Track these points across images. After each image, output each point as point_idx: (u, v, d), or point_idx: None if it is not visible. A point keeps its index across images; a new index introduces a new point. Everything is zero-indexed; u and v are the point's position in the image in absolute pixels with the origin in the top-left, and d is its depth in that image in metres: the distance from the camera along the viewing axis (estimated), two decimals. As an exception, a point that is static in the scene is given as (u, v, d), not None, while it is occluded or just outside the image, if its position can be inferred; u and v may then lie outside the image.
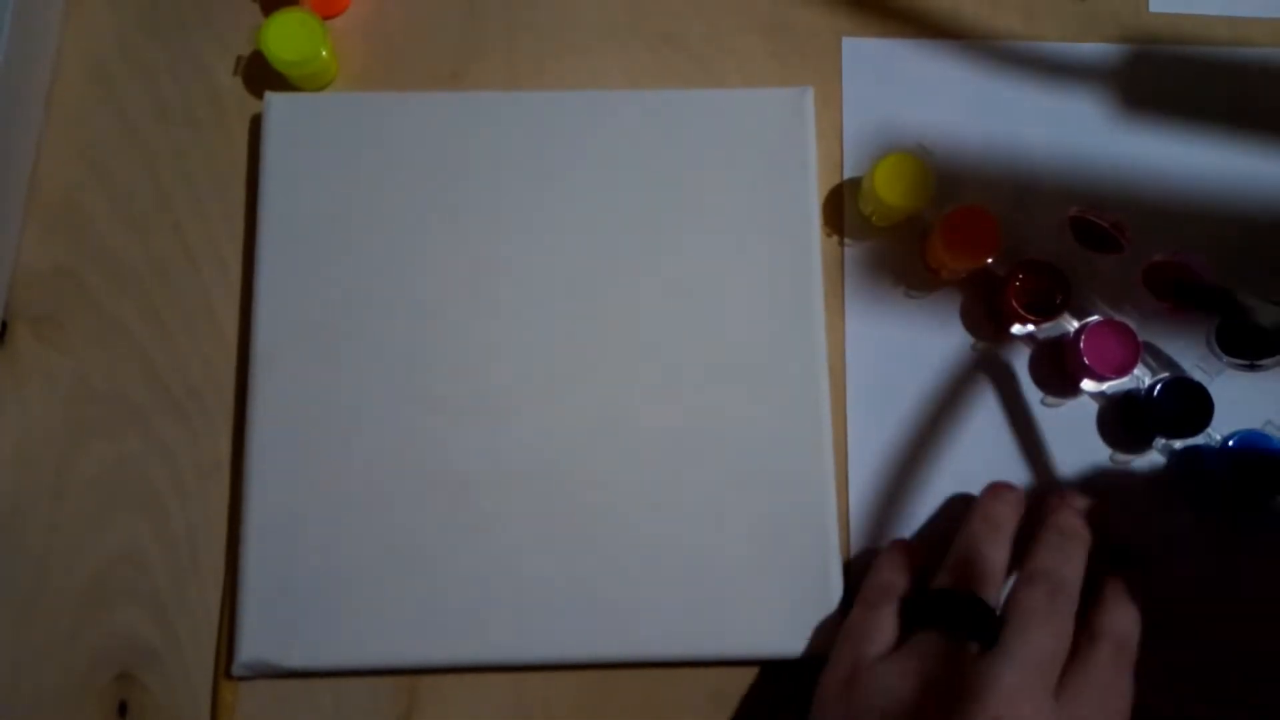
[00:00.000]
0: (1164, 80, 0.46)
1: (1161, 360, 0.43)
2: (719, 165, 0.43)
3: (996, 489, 0.40)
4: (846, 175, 0.45)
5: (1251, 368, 0.42)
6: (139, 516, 0.41)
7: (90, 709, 0.39)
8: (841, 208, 0.44)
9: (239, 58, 0.45)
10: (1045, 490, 0.41)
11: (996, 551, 0.37)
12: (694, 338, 0.42)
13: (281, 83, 0.44)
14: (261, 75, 0.44)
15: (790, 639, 0.39)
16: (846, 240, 0.44)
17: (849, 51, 0.46)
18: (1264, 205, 0.45)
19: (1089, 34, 0.47)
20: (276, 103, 0.43)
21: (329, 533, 0.40)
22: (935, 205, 0.42)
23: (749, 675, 0.41)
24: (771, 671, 0.40)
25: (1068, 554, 0.37)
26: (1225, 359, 0.42)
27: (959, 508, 0.41)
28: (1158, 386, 0.41)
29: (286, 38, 0.42)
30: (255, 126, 0.44)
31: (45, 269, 0.43)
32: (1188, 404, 0.41)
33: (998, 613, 0.35)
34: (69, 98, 0.45)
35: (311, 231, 0.42)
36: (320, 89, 0.45)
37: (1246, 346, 0.42)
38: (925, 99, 0.45)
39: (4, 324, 0.42)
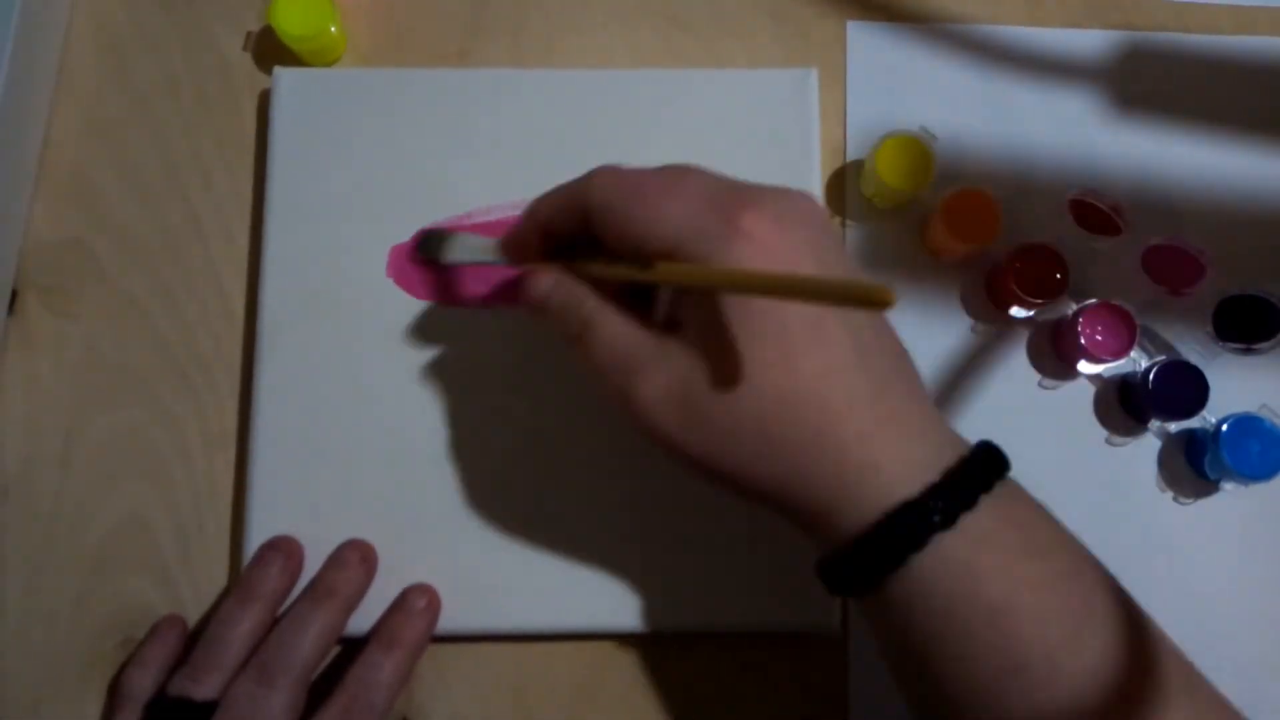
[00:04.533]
0: (1166, 67, 0.46)
1: (1158, 343, 0.43)
2: (723, 145, 0.43)
3: (264, 552, 0.39)
4: (849, 158, 0.45)
5: (1248, 351, 0.42)
6: (146, 485, 0.41)
7: (96, 674, 0.40)
8: (844, 190, 0.45)
9: (248, 33, 0.45)
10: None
11: (236, 630, 0.37)
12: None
13: (290, 58, 0.44)
14: (270, 50, 0.45)
15: (790, 612, 0.40)
16: (848, 222, 0.44)
17: (853, 35, 0.46)
18: (1263, 192, 0.45)
19: (1092, 20, 0.47)
20: (285, 78, 0.43)
21: (333, 503, 0.40)
22: (936, 188, 0.42)
23: (749, 648, 0.41)
24: (769, 644, 0.41)
25: (377, 663, 0.37)
26: (1222, 343, 0.42)
27: None
28: (1154, 370, 0.41)
29: (296, 13, 0.42)
30: (264, 101, 0.45)
31: (55, 240, 0.43)
32: (1184, 387, 0.41)
33: (218, 697, 0.36)
34: (79, 71, 0.45)
35: (319, 205, 0.42)
36: (328, 64, 0.45)
37: (1243, 330, 0.42)
38: (928, 83, 0.46)
39: (14, 293, 0.43)
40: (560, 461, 0.41)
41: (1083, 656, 0.28)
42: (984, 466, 0.30)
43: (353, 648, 0.39)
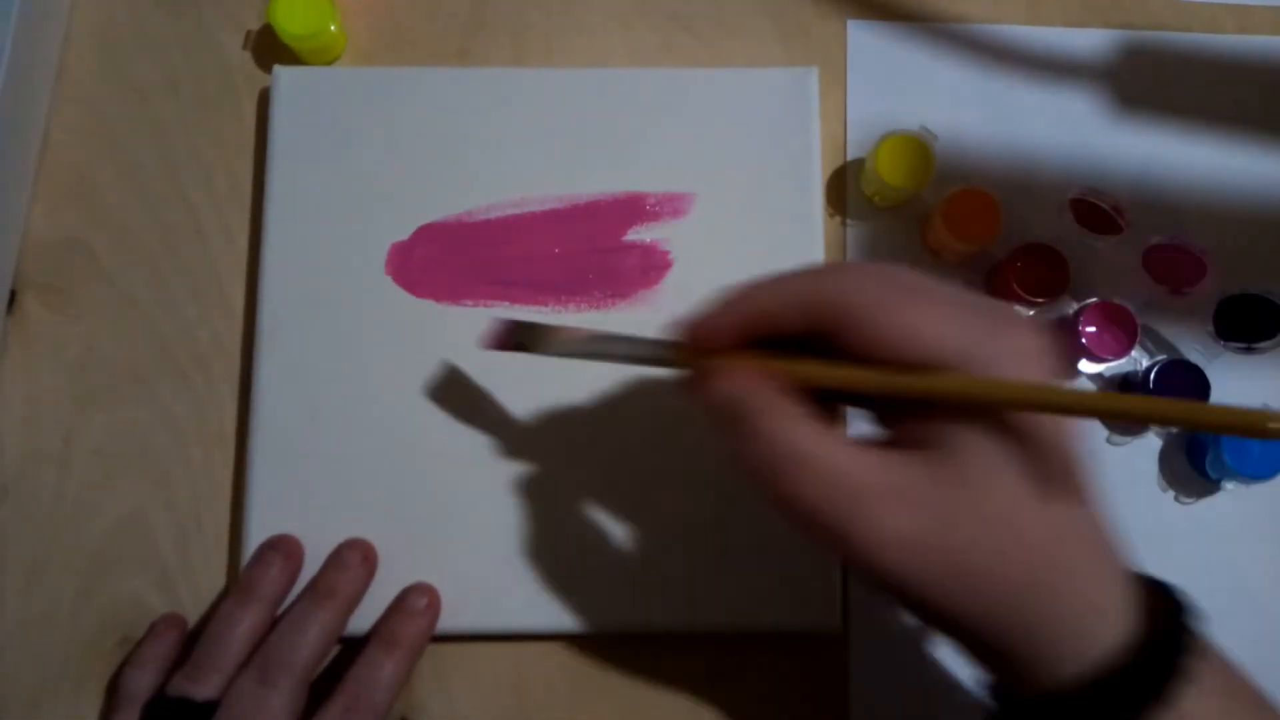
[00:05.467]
0: (1166, 67, 0.46)
1: (1159, 343, 0.43)
2: (723, 144, 0.43)
3: (264, 551, 0.39)
4: (850, 157, 0.45)
5: (1249, 351, 0.42)
6: (145, 484, 0.41)
7: (95, 674, 0.40)
8: (844, 189, 0.45)
9: (248, 31, 0.45)
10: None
11: (236, 630, 0.37)
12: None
13: (290, 57, 0.44)
14: (270, 49, 0.45)
15: (789, 612, 0.40)
16: (849, 221, 0.44)
17: (854, 34, 0.46)
18: (1264, 192, 0.45)
19: (1092, 20, 0.47)
20: (285, 76, 0.43)
21: (333, 502, 0.40)
22: (937, 187, 0.42)
23: (749, 648, 0.41)
24: (769, 644, 0.41)
25: (377, 663, 0.37)
26: (1222, 342, 0.42)
27: None
28: (1155, 369, 0.41)
29: (295, 11, 0.42)
30: (263, 100, 0.45)
31: (54, 239, 0.43)
32: (1185, 387, 0.41)
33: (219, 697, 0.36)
34: (79, 69, 0.45)
35: (318, 204, 0.42)
36: (328, 63, 0.45)
37: (1244, 330, 0.42)
38: (929, 82, 0.46)
39: (13, 293, 0.43)
40: (560, 461, 0.41)
41: None
42: (1186, 627, 0.28)
43: (353, 647, 0.39)
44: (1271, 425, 0.21)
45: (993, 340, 0.27)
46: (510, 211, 0.43)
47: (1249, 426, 0.23)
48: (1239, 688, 0.28)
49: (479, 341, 0.36)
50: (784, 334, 0.29)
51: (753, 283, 0.30)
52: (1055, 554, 0.27)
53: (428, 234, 0.42)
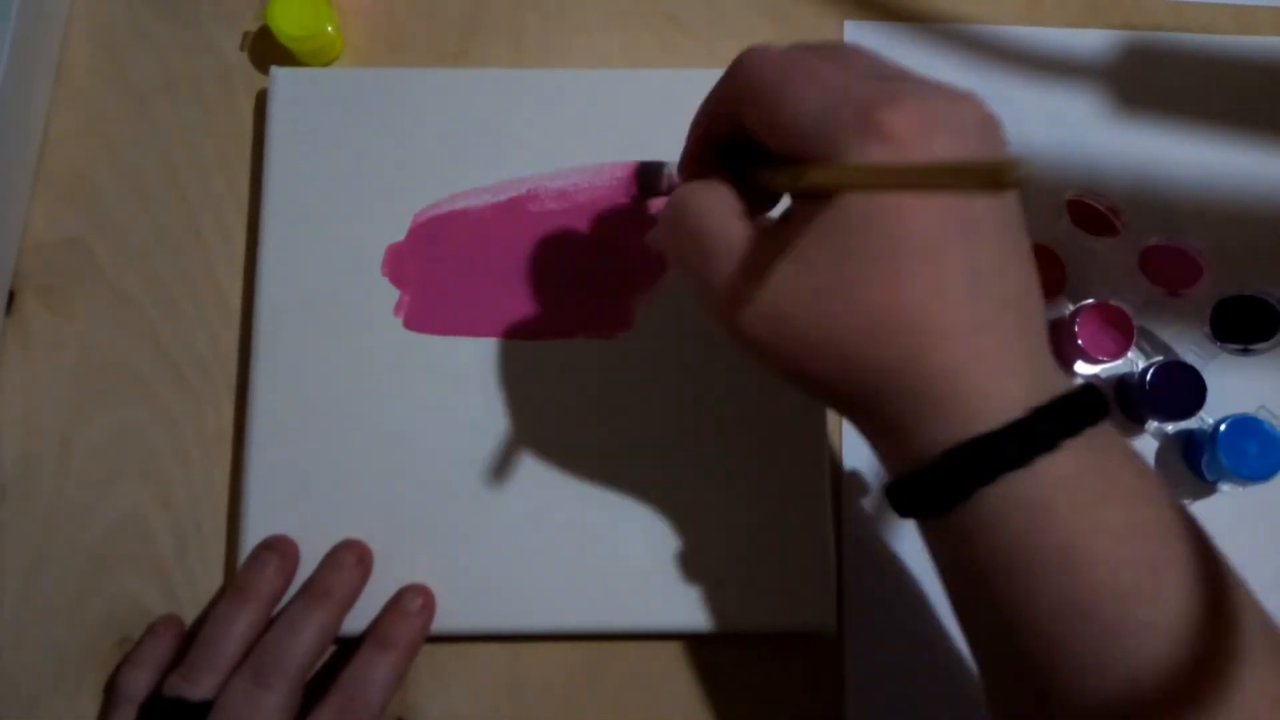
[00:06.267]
0: (1165, 67, 0.46)
1: (1156, 344, 0.43)
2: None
3: (260, 552, 0.39)
4: (847, 157, 0.45)
5: (1245, 352, 0.42)
6: (143, 484, 0.41)
7: (93, 674, 0.40)
8: (841, 189, 0.45)
9: (246, 32, 0.46)
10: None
11: (231, 630, 0.37)
12: (691, 315, 0.42)
13: (288, 58, 0.44)
14: (268, 50, 0.45)
15: (785, 614, 0.40)
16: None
17: (851, 35, 0.46)
18: (1262, 192, 0.45)
19: (1091, 20, 0.47)
20: (282, 77, 0.43)
21: (329, 503, 0.40)
22: (934, 188, 0.42)
23: (746, 648, 0.41)
24: (766, 645, 0.41)
25: (372, 663, 0.37)
26: (1219, 344, 0.42)
27: None
28: (1151, 370, 0.41)
29: (293, 13, 0.42)
30: (261, 101, 0.45)
31: (53, 239, 0.44)
32: (1181, 388, 0.41)
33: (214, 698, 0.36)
34: (78, 71, 0.45)
35: (316, 205, 0.42)
36: (326, 64, 0.45)
37: (1241, 331, 0.42)
38: (926, 82, 0.46)
39: (12, 293, 0.43)
40: (557, 461, 0.41)
41: (1156, 607, 0.27)
42: (1075, 410, 0.28)
43: (348, 647, 0.39)
44: (1003, 176, 0.20)
45: (855, 120, 0.26)
46: (508, 211, 0.43)
47: (982, 176, 0.21)
48: (1115, 456, 0.29)
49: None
50: (736, 139, 0.31)
51: (701, 104, 0.32)
52: (889, 337, 0.27)
53: (424, 229, 0.42)
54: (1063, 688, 0.28)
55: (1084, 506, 0.27)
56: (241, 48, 0.45)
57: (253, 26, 0.45)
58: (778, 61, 0.29)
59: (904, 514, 0.30)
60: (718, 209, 0.30)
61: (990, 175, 0.20)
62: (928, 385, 0.27)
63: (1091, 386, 0.29)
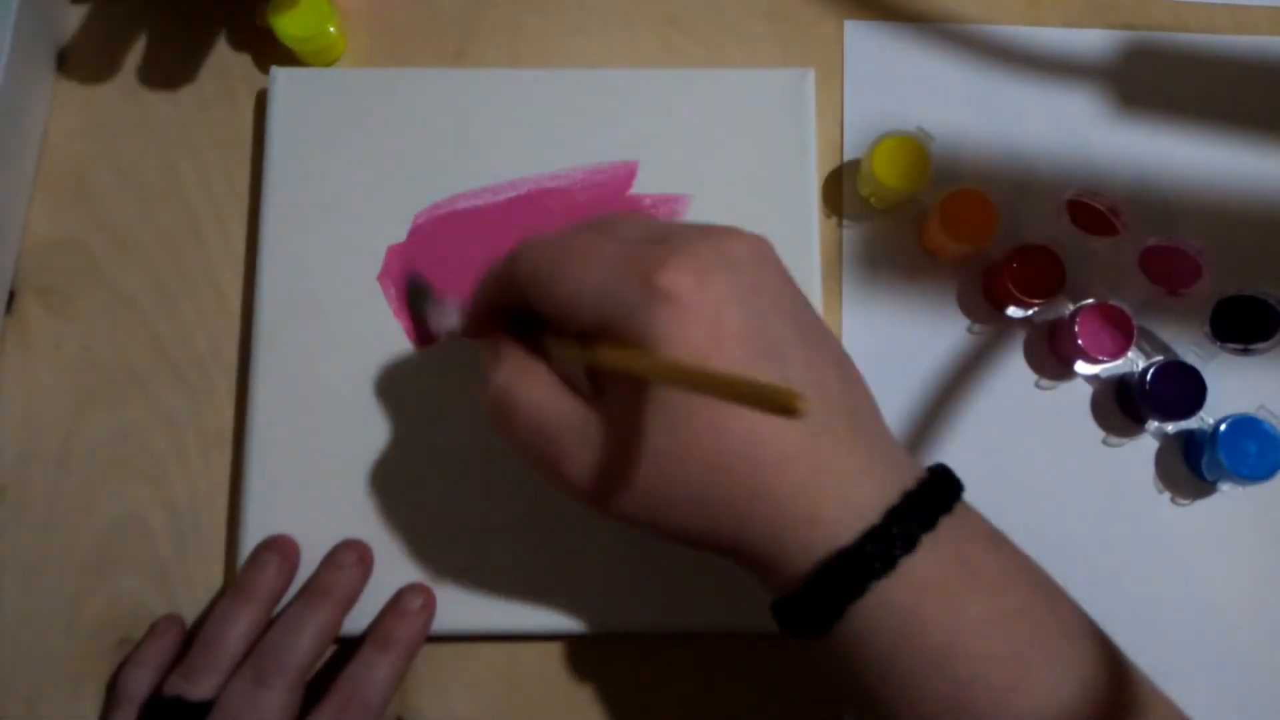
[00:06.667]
0: (1165, 67, 0.46)
1: (1156, 344, 0.43)
2: (720, 145, 0.43)
3: (260, 552, 0.39)
4: (846, 157, 0.45)
5: (1245, 352, 0.42)
6: (143, 485, 0.41)
7: (92, 674, 0.40)
8: (841, 190, 0.45)
9: (246, 33, 0.45)
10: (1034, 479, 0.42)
11: (232, 630, 0.37)
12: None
13: (289, 58, 0.44)
14: (268, 50, 0.45)
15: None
16: (845, 221, 0.44)
17: (851, 34, 0.46)
18: (1262, 192, 0.45)
19: (1091, 20, 0.47)
20: (282, 77, 0.44)
21: (329, 502, 0.40)
22: (933, 188, 0.42)
23: (745, 648, 0.41)
24: (765, 645, 0.41)
25: (372, 663, 0.38)
26: (1219, 343, 0.42)
27: None
28: (1151, 370, 0.41)
29: (295, 13, 0.42)
30: (261, 101, 0.45)
31: (53, 240, 0.44)
32: (1181, 388, 0.41)
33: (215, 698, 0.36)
34: (77, 71, 0.45)
35: (315, 205, 0.42)
36: (328, 65, 0.45)
37: (1241, 331, 0.42)
38: (926, 83, 0.46)
39: (12, 293, 0.43)
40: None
41: (1033, 696, 0.28)
42: (930, 498, 0.29)
43: (348, 647, 0.39)
44: (791, 403, 0.22)
45: (638, 291, 0.28)
46: (508, 212, 0.43)
47: (773, 401, 0.23)
48: (974, 542, 0.29)
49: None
50: (513, 308, 0.32)
51: (484, 274, 0.34)
52: (728, 478, 0.28)
53: (425, 229, 0.42)
54: None
55: (948, 604, 0.28)
56: (241, 47, 0.45)
57: (253, 27, 0.45)
58: (554, 245, 0.30)
59: (793, 635, 0.30)
60: (538, 391, 0.31)
61: (776, 401, 0.22)
62: (780, 510, 0.28)
63: (942, 469, 0.30)
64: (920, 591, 0.28)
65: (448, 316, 0.39)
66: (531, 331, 0.33)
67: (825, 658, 0.30)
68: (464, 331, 0.36)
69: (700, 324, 0.27)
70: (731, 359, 0.27)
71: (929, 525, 0.28)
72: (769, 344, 0.28)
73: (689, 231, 0.30)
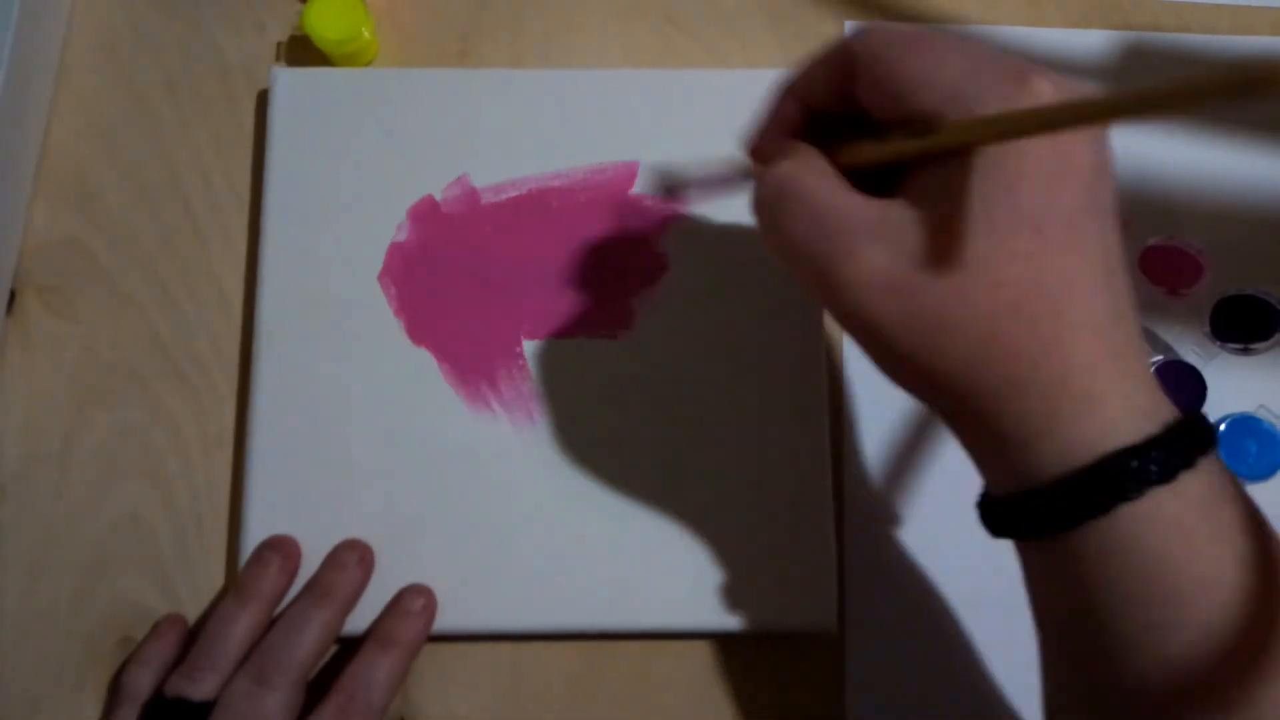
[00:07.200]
0: (1166, 67, 0.46)
1: (1156, 343, 0.43)
2: (720, 145, 0.43)
3: (262, 552, 0.39)
4: (847, 157, 0.45)
5: (1245, 352, 0.42)
6: (144, 485, 0.41)
7: (94, 673, 0.40)
8: (842, 189, 0.45)
9: (246, 32, 0.45)
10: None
11: (233, 630, 0.37)
12: (692, 315, 0.42)
13: (291, 59, 0.45)
14: (269, 50, 0.45)
15: (785, 613, 0.40)
16: (846, 222, 0.44)
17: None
18: (1262, 192, 0.45)
19: (1092, 20, 0.47)
20: (283, 78, 0.43)
21: (331, 502, 0.40)
22: (934, 188, 0.42)
23: (746, 648, 0.41)
24: (766, 645, 0.41)
25: (374, 662, 0.37)
26: (1219, 343, 0.42)
27: None
28: (1152, 369, 0.41)
29: (329, 17, 0.42)
30: (261, 101, 0.45)
31: (54, 239, 0.44)
32: (1181, 387, 0.41)
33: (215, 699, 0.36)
34: (79, 70, 0.45)
35: (317, 205, 0.42)
36: (365, 66, 0.45)
37: (1241, 330, 0.42)
38: (927, 83, 0.46)
39: (12, 293, 0.43)
40: (557, 460, 0.41)
41: None
42: (1200, 431, 0.26)
43: (350, 647, 0.39)
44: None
45: (1009, 83, 0.25)
46: (506, 211, 0.43)
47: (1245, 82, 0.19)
48: (1229, 484, 0.27)
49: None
50: (828, 113, 0.29)
51: (791, 72, 0.30)
52: (1029, 319, 0.25)
53: (424, 223, 0.42)
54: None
55: (1224, 532, 0.26)
56: (241, 47, 0.45)
57: (253, 25, 0.45)
58: (903, 30, 0.28)
59: (1008, 534, 0.27)
60: (826, 183, 0.28)
61: (1261, 76, 0.18)
62: (1062, 383, 0.25)
63: (1199, 412, 0.28)
64: (1197, 511, 0.25)
65: (696, 174, 0.38)
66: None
67: (1046, 563, 0.27)
68: (754, 144, 0.32)
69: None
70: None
71: (1203, 450, 0.25)
72: (1103, 199, 0.26)
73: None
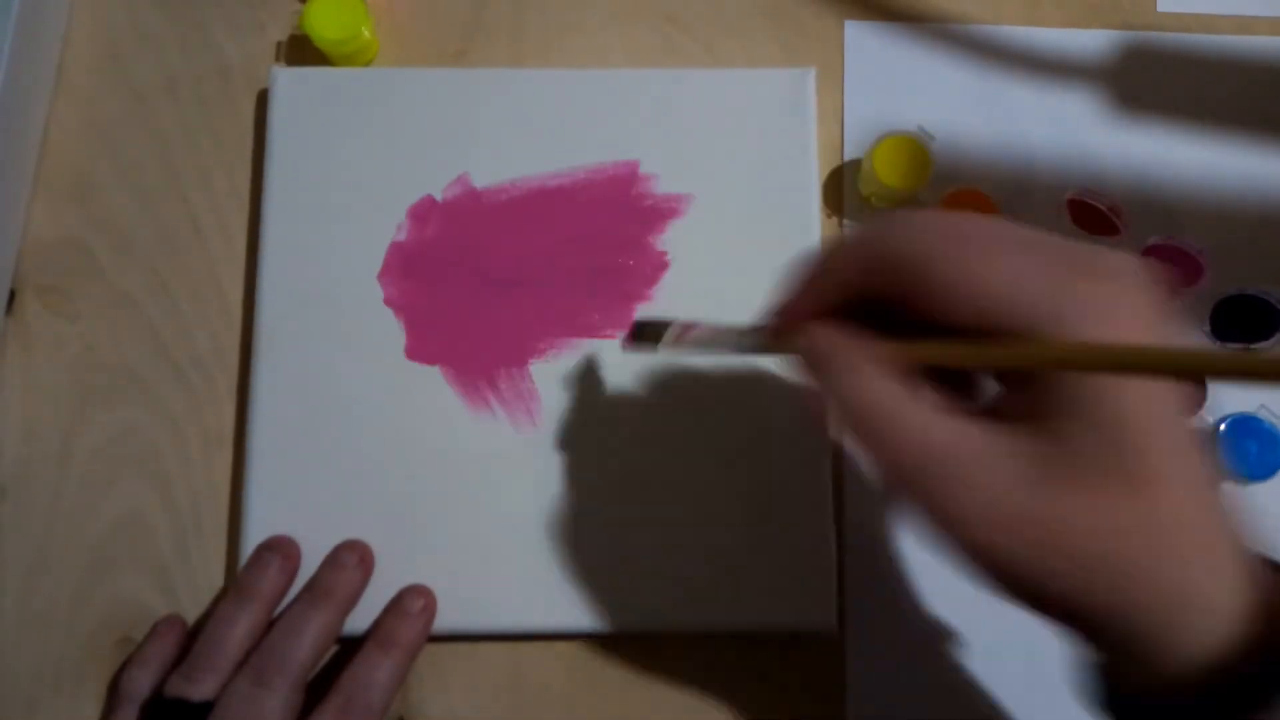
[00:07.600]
0: (1165, 67, 0.46)
1: (1156, 344, 0.43)
2: (721, 144, 0.43)
3: (262, 552, 0.39)
4: (846, 157, 0.45)
5: (1246, 352, 0.42)
6: (144, 485, 0.41)
7: (93, 674, 0.40)
8: (841, 189, 0.45)
9: (246, 32, 0.45)
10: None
11: (233, 630, 0.37)
12: (691, 315, 0.42)
13: (293, 59, 0.45)
14: (269, 50, 0.45)
15: (788, 612, 0.40)
16: (846, 221, 0.44)
17: (851, 35, 0.46)
18: (1262, 192, 0.45)
19: (1091, 21, 0.47)
20: (282, 78, 0.43)
21: (331, 503, 0.40)
22: (934, 188, 0.42)
23: (747, 648, 0.41)
24: (766, 645, 0.41)
25: (373, 663, 0.37)
26: (1220, 343, 0.42)
27: None
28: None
29: (329, 17, 0.42)
30: (261, 101, 0.45)
31: (54, 239, 0.44)
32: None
33: (214, 698, 0.36)
34: (79, 70, 0.45)
35: (316, 206, 0.42)
36: (364, 66, 0.45)
37: (1241, 330, 0.42)
38: (926, 83, 0.46)
39: (12, 293, 0.43)
40: (557, 460, 0.41)
41: None
42: None
43: (350, 647, 0.39)
44: None
45: (1074, 294, 0.24)
46: (506, 211, 0.43)
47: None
48: None
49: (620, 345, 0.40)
50: (868, 298, 0.27)
51: (822, 252, 0.29)
52: (1152, 537, 0.24)
53: (424, 223, 0.42)
54: None
55: None
56: (241, 47, 0.45)
57: (253, 26, 0.45)
58: (944, 222, 0.26)
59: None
60: (937, 416, 0.26)
61: None
62: (1178, 583, 0.24)
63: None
64: None
65: (688, 330, 0.34)
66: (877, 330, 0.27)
67: None
68: (777, 325, 0.30)
69: (1145, 297, 0.24)
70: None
71: None
72: (1187, 420, 0.25)
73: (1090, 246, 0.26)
